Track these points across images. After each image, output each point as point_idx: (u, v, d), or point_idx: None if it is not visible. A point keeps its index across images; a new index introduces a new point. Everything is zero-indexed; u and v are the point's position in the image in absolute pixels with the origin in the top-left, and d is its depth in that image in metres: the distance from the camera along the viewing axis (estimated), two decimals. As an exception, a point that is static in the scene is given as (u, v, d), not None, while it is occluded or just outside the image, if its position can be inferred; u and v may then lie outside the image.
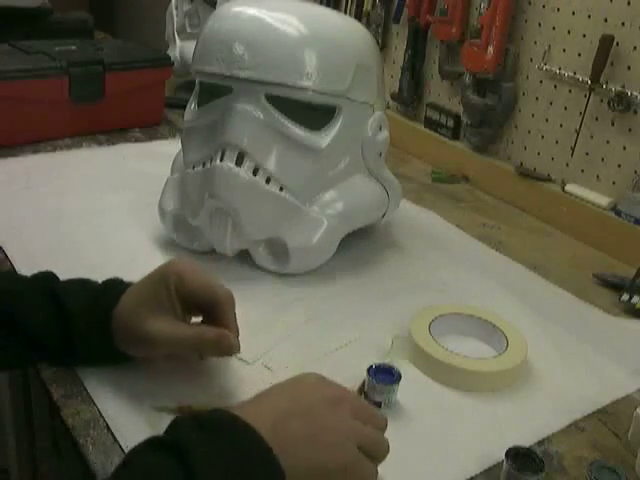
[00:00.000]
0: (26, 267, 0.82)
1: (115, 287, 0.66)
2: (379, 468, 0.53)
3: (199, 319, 0.66)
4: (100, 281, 0.67)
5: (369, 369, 0.65)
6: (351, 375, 0.68)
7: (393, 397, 0.65)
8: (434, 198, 1.15)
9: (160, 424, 0.60)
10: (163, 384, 0.65)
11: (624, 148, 1.01)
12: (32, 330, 0.62)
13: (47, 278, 0.67)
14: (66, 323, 0.63)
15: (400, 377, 0.65)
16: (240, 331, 0.73)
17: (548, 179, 1.12)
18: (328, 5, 1.43)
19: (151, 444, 0.47)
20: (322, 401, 0.52)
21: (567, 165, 1.09)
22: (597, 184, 1.05)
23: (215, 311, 0.63)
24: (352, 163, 0.87)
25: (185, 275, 0.63)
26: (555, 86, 1.09)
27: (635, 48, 0.97)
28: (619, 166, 1.02)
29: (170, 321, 0.62)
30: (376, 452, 0.53)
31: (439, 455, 0.60)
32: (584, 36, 1.03)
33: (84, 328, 0.63)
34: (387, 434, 0.62)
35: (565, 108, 1.08)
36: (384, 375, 0.65)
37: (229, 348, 0.62)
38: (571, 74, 1.05)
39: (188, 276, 0.63)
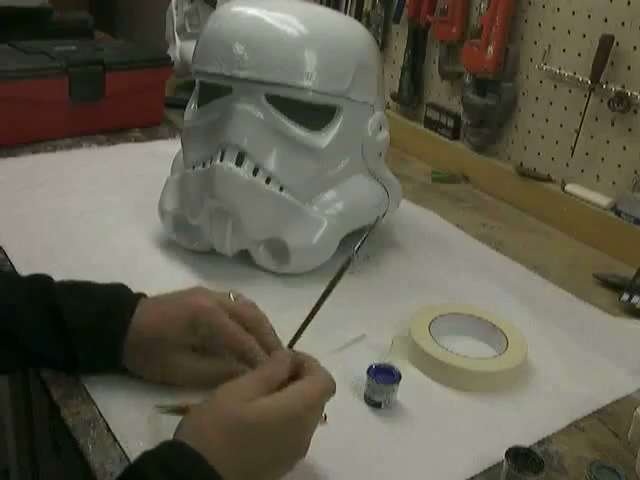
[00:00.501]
0: (26, 267, 0.82)
1: (122, 302, 0.63)
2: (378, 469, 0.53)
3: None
4: (101, 283, 0.66)
5: (369, 369, 0.65)
6: (351, 375, 0.68)
7: (393, 397, 0.65)
8: (434, 198, 1.15)
9: (160, 424, 0.60)
10: (163, 384, 0.65)
11: (624, 148, 1.01)
12: (32, 346, 0.61)
13: (45, 289, 0.63)
14: (69, 339, 0.61)
15: (400, 377, 0.65)
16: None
17: (548, 179, 1.12)
18: (328, 5, 1.43)
19: None
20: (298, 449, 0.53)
21: (567, 165, 1.09)
22: (597, 184, 1.05)
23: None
24: (352, 163, 0.87)
25: (214, 321, 0.61)
26: (555, 86, 1.09)
27: (635, 48, 0.97)
28: (619, 166, 1.02)
29: (190, 356, 0.62)
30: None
31: (439, 455, 0.60)
32: (584, 36, 1.03)
33: (89, 346, 0.62)
34: (387, 434, 0.62)
35: (565, 108, 1.08)
36: (384, 375, 0.65)
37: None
38: (571, 74, 1.05)
39: (216, 321, 0.61)
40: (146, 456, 0.47)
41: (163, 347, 0.61)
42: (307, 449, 0.54)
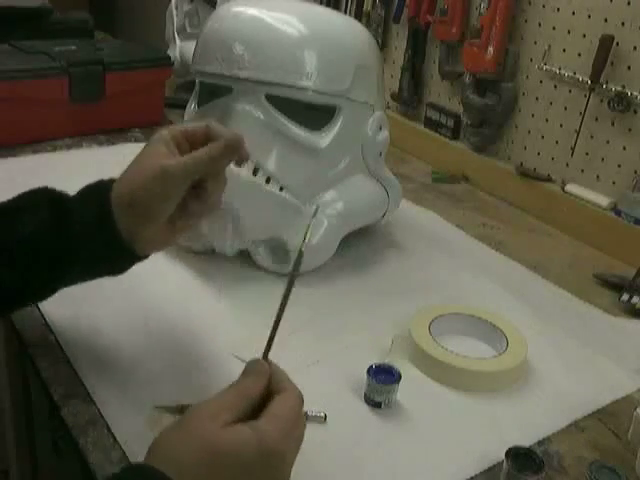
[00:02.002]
0: (26, 267, 0.82)
1: (103, 181, 0.64)
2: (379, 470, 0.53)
3: None
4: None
5: (369, 369, 0.65)
6: (351, 375, 0.68)
7: (393, 397, 0.65)
8: (434, 198, 1.15)
9: (160, 424, 0.60)
10: (163, 384, 0.65)
11: (624, 148, 1.01)
12: (28, 235, 0.61)
13: (44, 189, 0.66)
14: (64, 221, 0.61)
15: (400, 377, 0.65)
16: (239, 331, 0.74)
17: (548, 179, 1.12)
18: (328, 5, 1.43)
19: None
20: None
21: (567, 165, 1.09)
22: (597, 184, 1.05)
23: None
24: (352, 163, 0.87)
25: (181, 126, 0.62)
26: (555, 86, 1.09)
27: (635, 48, 0.97)
28: (619, 166, 1.02)
29: (178, 156, 0.61)
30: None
31: (439, 455, 0.60)
32: (584, 36, 1.03)
33: (82, 218, 0.61)
34: (387, 434, 0.62)
35: (565, 108, 1.08)
36: (384, 375, 0.65)
37: (242, 150, 0.61)
38: (571, 74, 1.05)
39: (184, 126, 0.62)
40: None
41: (146, 170, 0.61)
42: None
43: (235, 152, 0.62)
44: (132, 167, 0.63)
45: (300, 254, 0.55)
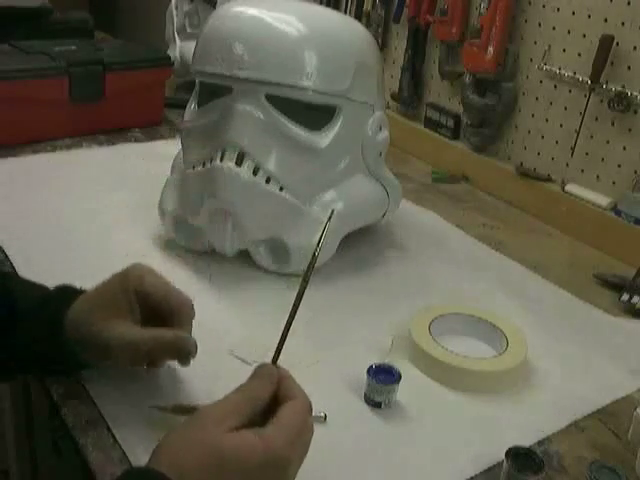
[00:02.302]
0: (26, 267, 0.82)
1: (67, 291, 0.64)
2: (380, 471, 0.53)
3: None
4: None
5: (369, 369, 0.65)
6: (351, 375, 0.68)
7: (393, 397, 0.65)
8: (434, 198, 1.15)
9: (160, 424, 0.60)
10: (163, 384, 0.65)
11: (624, 148, 1.01)
12: None
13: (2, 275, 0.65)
14: (13, 323, 0.61)
15: (400, 377, 0.65)
16: (240, 331, 0.74)
17: (548, 179, 1.12)
18: (328, 5, 1.43)
19: None
20: None
21: (567, 165, 1.09)
22: (597, 184, 1.05)
23: (174, 318, 0.62)
24: (352, 163, 0.87)
25: (146, 278, 0.62)
26: (555, 86, 1.09)
27: (635, 48, 0.97)
28: (619, 166, 1.02)
29: (128, 325, 0.60)
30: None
31: (439, 455, 0.60)
32: (584, 36, 1.03)
33: (31, 331, 0.61)
34: (387, 434, 0.62)
35: (565, 108, 1.08)
36: (384, 375, 0.65)
37: (187, 350, 0.60)
38: (571, 74, 1.05)
39: (149, 279, 0.62)
40: None
41: (97, 320, 0.60)
42: None
43: (180, 354, 0.62)
44: (88, 301, 0.62)
45: (314, 258, 0.55)
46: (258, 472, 0.46)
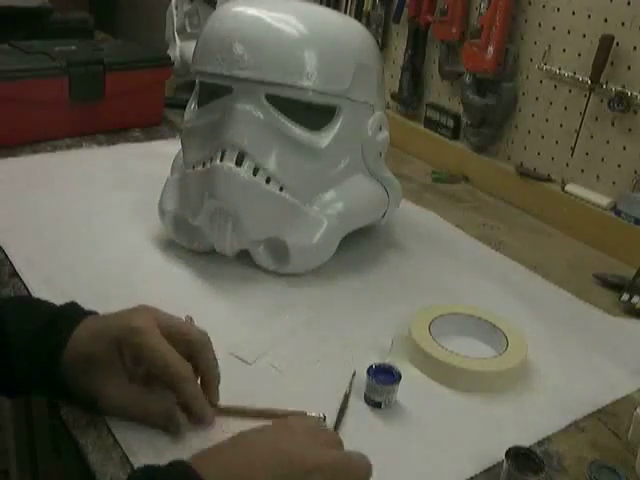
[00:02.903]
0: (26, 267, 0.82)
1: (65, 317, 0.60)
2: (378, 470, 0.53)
3: None
4: (50, 302, 0.63)
5: (369, 369, 0.65)
6: (351, 375, 0.68)
7: (393, 397, 0.65)
8: (434, 198, 1.15)
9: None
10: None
11: (624, 148, 1.01)
12: None
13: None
14: (8, 355, 0.58)
15: (400, 377, 0.65)
16: (240, 331, 0.74)
17: (548, 179, 1.12)
18: (328, 5, 1.43)
19: None
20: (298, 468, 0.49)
21: (567, 165, 1.09)
22: (597, 184, 1.05)
23: (194, 357, 0.59)
24: (352, 163, 0.87)
25: (144, 344, 0.57)
26: (555, 86, 1.09)
27: (635, 48, 0.97)
28: (619, 166, 1.02)
29: (120, 386, 0.58)
30: None
31: (439, 455, 0.60)
32: (584, 36, 1.03)
33: (25, 361, 0.58)
34: (387, 434, 0.62)
35: (565, 108, 1.08)
36: (384, 375, 0.65)
37: (174, 427, 0.58)
38: (571, 74, 1.05)
39: (148, 343, 0.57)
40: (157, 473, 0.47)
41: (96, 368, 0.58)
42: None
43: (169, 429, 0.58)
44: (81, 350, 0.59)
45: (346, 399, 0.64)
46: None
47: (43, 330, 0.59)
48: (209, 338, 0.61)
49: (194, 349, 0.60)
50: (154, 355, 0.57)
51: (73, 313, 0.61)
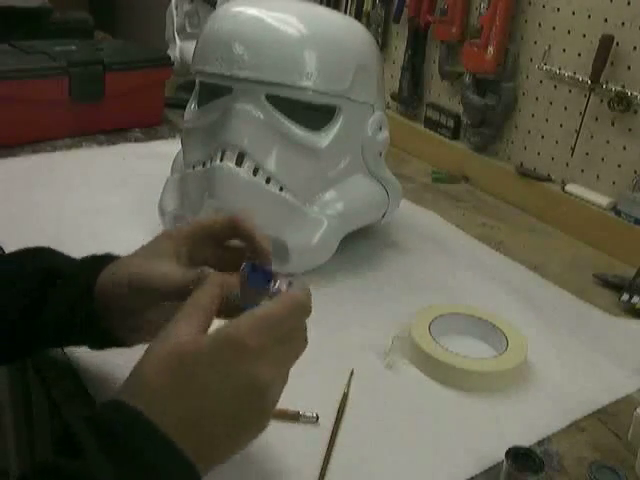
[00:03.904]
0: (26, 267, 0.82)
1: (100, 257, 0.60)
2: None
3: None
4: None
5: (244, 268, 0.52)
6: (350, 375, 0.68)
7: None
8: (434, 198, 1.15)
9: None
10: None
11: (624, 148, 1.01)
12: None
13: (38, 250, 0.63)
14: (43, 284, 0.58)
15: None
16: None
17: (548, 179, 1.12)
18: (328, 5, 1.43)
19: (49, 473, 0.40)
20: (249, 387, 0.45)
21: (567, 165, 1.09)
22: (597, 184, 1.05)
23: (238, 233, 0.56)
24: (352, 163, 0.87)
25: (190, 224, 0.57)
26: (555, 86, 1.09)
27: (635, 48, 0.97)
28: (619, 166, 1.02)
29: (170, 265, 0.55)
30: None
31: (439, 455, 0.60)
32: (584, 36, 1.03)
33: (63, 293, 0.58)
34: (386, 434, 0.62)
35: (565, 108, 1.08)
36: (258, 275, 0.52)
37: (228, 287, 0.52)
38: (571, 74, 1.05)
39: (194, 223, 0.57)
40: (82, 421, 0.42)
41: (131, 267, 0.56)
42: (273, 402, 0.47)
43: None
44: (122, 260, 0.59)
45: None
46: (215, 358, 0.44)
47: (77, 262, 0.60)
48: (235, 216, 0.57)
49: (234, 224, 0.56)
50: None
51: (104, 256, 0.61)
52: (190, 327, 0.46)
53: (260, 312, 0.46)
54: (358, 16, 1.40)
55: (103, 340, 0.60)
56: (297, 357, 0.49)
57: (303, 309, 0.48)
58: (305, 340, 0.49)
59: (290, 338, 0.48)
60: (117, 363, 0.66)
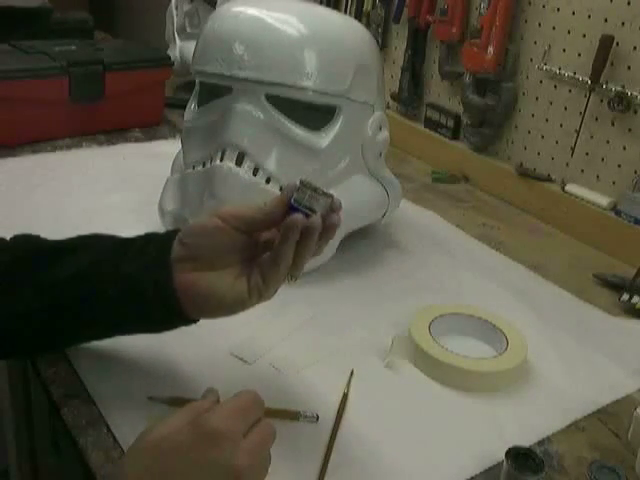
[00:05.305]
0: (26, 267, 0.82)
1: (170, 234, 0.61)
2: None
3: None
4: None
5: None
6: (348, 377, 0.68)
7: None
8: (434, 198, 1.15)
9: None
10: (163, 384, 0.65)
11: (624, 148, 1.01)
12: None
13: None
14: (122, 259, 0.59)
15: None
16: (240, 331, 0.74)
17: (548, 179, 1.12)
18: (328, 5, 1.43)
19: None
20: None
21: (567, 165, 1.09)
22: (597, 184, 1.05)
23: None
24: (352, 163, 0.87)
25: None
26: (555, 86, 1.09)
27: (635, 48, 0.97)
28: (619, 166, 1.02)
29: (235, 271, 0.59)
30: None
31: (439, 455, 0.60)
32: (584, 36, 1.03)
33: (136, 260, 0.59)
34: (386, 434, 0.62)
35: (565, 108, 1.08)
36: None
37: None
38: (571, 74, 1.05)
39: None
40: None
41: (210, 246, 0.58)
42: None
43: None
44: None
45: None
46: (188, 445, 0.46)
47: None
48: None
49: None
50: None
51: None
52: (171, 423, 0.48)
53: (228, 403, 0.50)
54: (358, 16, 1.40)
55: (168, 310, 0.60)
56: (272, 439, 0.50)
57: (261, 402, 0.51)
58: (271, 424, 0.51)
59: (258, 424, 0.50)
60: (117, 363, 0.67)
